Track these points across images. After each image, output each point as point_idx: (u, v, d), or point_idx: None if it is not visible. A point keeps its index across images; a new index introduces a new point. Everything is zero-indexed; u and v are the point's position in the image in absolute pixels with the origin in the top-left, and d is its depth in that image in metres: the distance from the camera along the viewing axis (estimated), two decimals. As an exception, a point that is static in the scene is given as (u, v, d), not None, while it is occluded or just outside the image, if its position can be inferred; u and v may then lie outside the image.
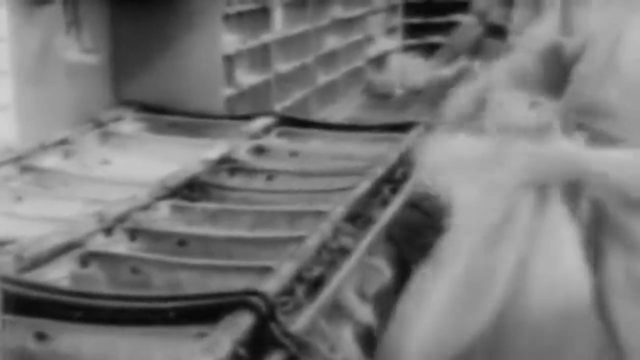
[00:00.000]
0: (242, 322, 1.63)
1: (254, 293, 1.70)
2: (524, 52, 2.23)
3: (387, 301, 2.32)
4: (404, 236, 2.50)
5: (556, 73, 2.12)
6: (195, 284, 1.96)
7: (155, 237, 2.21)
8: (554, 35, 2.13)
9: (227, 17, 5.19)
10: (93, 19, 3.30)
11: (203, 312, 1.66)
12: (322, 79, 8.64)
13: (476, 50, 5.30)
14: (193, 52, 3.44)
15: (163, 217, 2.36)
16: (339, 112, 8.47)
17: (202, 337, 1.59)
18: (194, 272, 2.00)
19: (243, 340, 1.60)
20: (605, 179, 1.95)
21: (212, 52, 3.54)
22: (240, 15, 6.55)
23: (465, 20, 4.98)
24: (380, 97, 5.22)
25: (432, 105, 2.84)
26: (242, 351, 1.59)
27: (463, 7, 5.47)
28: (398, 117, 3.24)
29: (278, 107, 6.92)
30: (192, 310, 1.67)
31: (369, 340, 2.17)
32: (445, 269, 1.99)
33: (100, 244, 2.13)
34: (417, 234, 2.54)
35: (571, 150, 1.97)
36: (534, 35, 2.25)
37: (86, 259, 2.05)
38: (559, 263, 1.96)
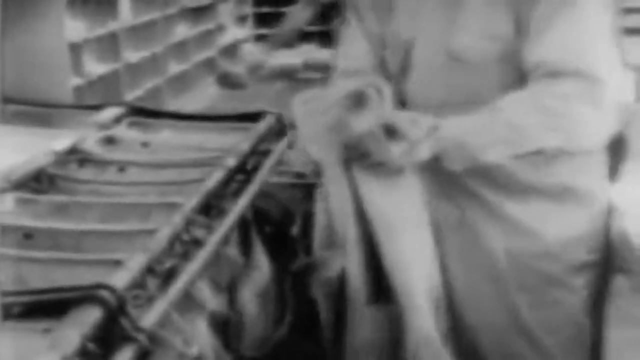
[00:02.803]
0: (91, 317, 1.58)
1: (103, 286, 1.66)
2: None
3: (240, 290, 2.31)
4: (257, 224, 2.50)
5: None
6: (42, 278, 1.89)
7: (-1, 231, 2.13)
8: None
9: (71, 4, 5.06)
10: None
11: (49, 307, 1.60)
12: (174, 68, 8.57)
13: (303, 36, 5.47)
14: (37, 40, 3.33)
15: (7, 209, 2.28)
16: (192, 102, 8.42)
17: (48, 332, 1.54)
18: (41, 266, 1.93)
19: (92, 335, 1.55)
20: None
21: (57, 40, 3.44)
22: (85, 2, 6.41)
23: (292, 8, 5.13)
24: (233, 86, 5.22)
25: (286, 92, 2.85)
26: (91, 346, 1.54)
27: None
28: (251, 106, 3.23)
29: (129, 97, 6.82)
30: (37, 305, 1.62)
31: (223, 330, 2.16)
32: None
33: (-61, 238, 2.03)
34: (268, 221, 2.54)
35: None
36: None
37: None
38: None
